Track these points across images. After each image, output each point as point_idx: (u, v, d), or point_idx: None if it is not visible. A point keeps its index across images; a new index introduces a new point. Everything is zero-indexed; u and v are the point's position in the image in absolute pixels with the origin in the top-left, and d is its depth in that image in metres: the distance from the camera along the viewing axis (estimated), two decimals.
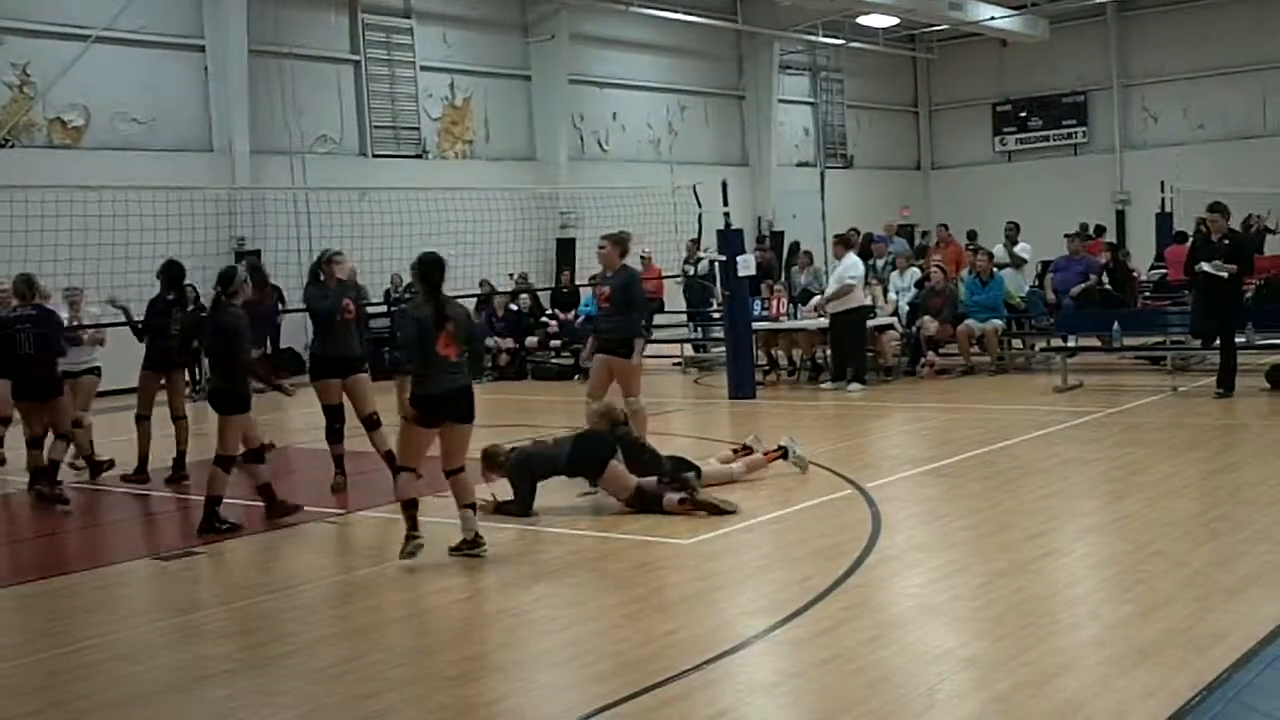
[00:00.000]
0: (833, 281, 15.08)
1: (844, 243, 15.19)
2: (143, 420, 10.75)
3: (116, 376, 12.39)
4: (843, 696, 4.82)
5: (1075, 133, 33.16)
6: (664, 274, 20.48)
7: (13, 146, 18.61)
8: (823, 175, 31.30)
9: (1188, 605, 5.69)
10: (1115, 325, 14.25)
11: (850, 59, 32.62)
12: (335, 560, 8.04)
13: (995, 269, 16.04)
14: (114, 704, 5.28)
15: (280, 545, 8.39)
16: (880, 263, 17.21)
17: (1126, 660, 5.01)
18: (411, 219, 16.75)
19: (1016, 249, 17.38)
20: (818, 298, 15.78)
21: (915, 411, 13.22)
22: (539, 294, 20.52)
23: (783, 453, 9.36)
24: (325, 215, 18.29)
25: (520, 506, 8.37)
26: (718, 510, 8.10)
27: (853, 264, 14.74)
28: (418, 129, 23.97)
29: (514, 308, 19.25)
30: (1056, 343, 15.55)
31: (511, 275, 21.25)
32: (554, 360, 18.98)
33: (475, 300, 20.39)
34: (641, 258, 20.54)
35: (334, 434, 9.87)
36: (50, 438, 10.26)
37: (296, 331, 18.14)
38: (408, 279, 19.26)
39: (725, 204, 14.71)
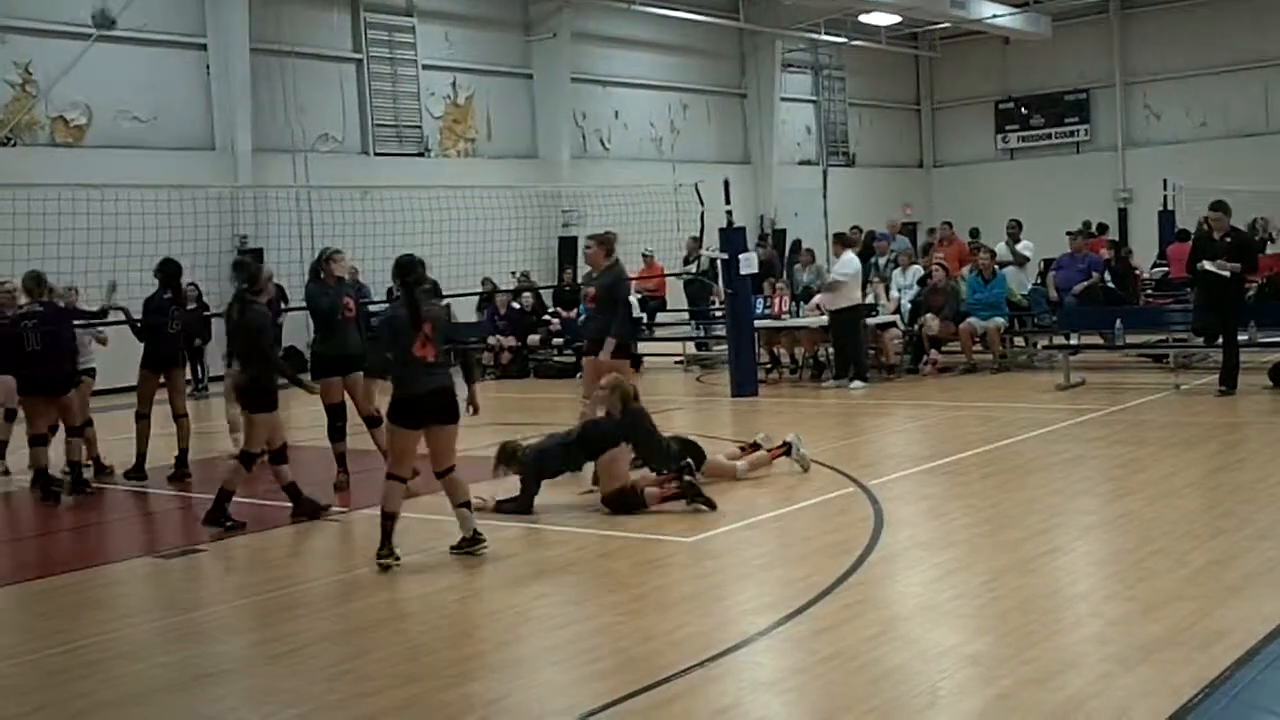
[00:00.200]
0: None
1: (842, 241, 15.23)
2: (142, 419, 10.75)
3: (117, 375, 12.41)
4: (845, 694, 4.82)
5: (1077, 130, 33.13)
6: (666, 272, 20.52)
7: (15, 145, 18.62)
8: (825, 173, 31.29)
9: (1190, 603, 5.68)
10: (1117, 323, 14.23)
11: (852, 57, 32.59)
12: (336, 559, 8.04)
13: (997, 267, 16.03)
14: (113, 703, 5.27)
15: (281, 544, 8.39)
16: (883, 261, 17.20)
17: (1129, 658, 5.00)
18: (413, 217, 16.78)
19: (1019, 247, 17.37)
20: (818, 295, 15.79)
21: (917, 409, 13.21)
22: (541, 292, 20.52)
23: (787, 449, 9.36)
24: (327, 214, 18.33)
25: (521, 505, 8.37)
26: (696, 499, 8.06)
27: (846, 262, 14.76)
28: (420, 127, 23.97)
29: (516, 306, 19.25)
30: (1059, 341, 15.53)
31: (513, 273, 21.27)
32: (556, 358, 18.97)
33: (477, 298, 20.45)
34: (644, 256, 20.60)
35: (336, 432, 9.87)
36: (63, 437, 10.29)
37: (298, 330, 18.15)
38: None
39: (727, 202, 14.72)
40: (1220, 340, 12.54)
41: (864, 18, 29.37)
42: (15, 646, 6.28)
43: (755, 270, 14.99)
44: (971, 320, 15.46)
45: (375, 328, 8.15)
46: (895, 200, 30.11)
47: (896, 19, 29.96)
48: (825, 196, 30.13)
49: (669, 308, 21.37)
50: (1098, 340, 15.28)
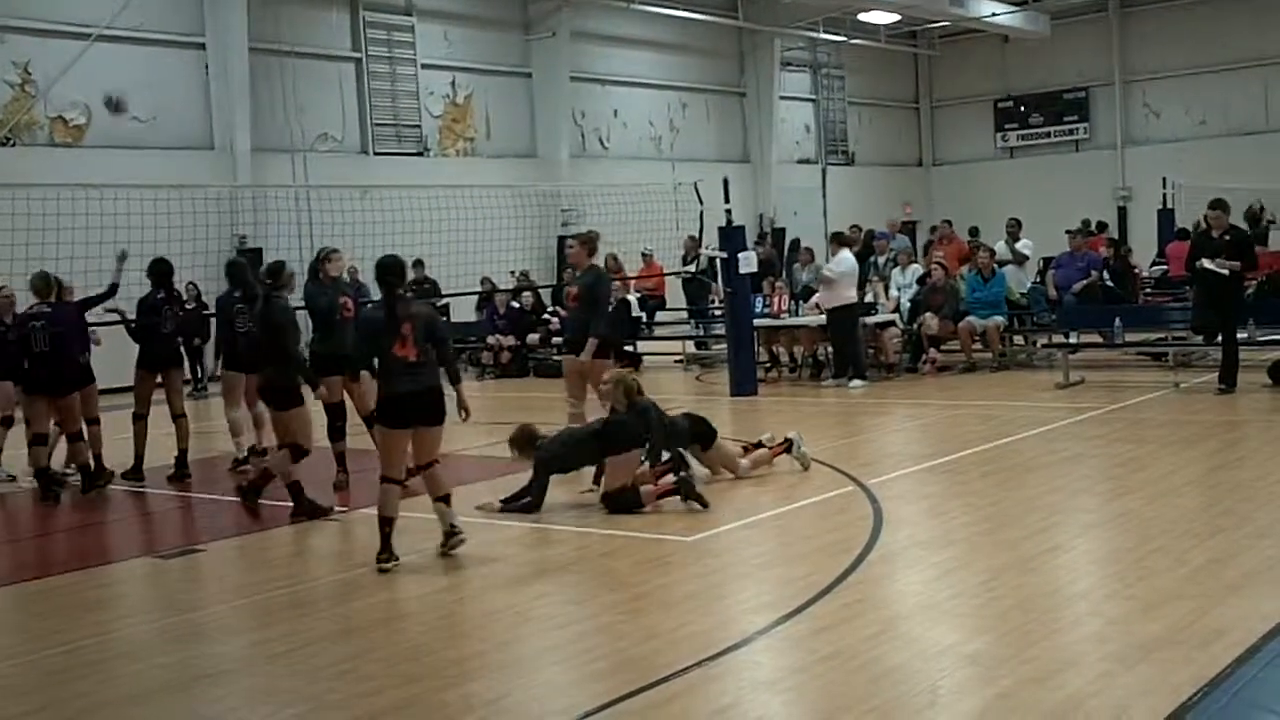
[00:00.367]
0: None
1: (839, 240, 15.29)
2: (139, 420, 10.74)
3: (114, 376, 12.40)
4: (845, 693, 4.82)
5: (1077, 129, 33.13)
6: (665, 271, 20.52)
7: (14, 145, 18.63)
8: (824, 172, 31.31)
9: (1189, 602, 5.68)
10: (1117, 321, 14.24)
11: (851, 55, 32.60)
12: (336, 558, 8.04)
13: (997, 266, 16.03)
14: (113, 703, 5.27)
15: (281, 543, 8.39)
16: (882, 260, 17.21)
17: (1128, 657, 5.00)
18: (413, 217, 16.79)
19: (1018, 245, 17.37)
20: (818, 294, 15.80)
21: (917, 408, 13.21)
22: (540, 291, 20.52)
23: (788, 446, 9.37)
24: (326, 213, 18.32)
25: (532, 502, 8.34)
26: (690, 497, 8.05)
27: (840, 260, 14.79)
28: (419, 126, 23.98)
29: (515, 305, 19.25)
30: (1058, 339, 15.54)
31: (513, 272, 21.27)
32: (555, 357, 18.94)
33: (477, 297, 20.46)
34: (643, 255, 20.60)
35: (335, 432, 9.87)
36: (64, 441, 10.31)
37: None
38: (410, 276, 19.37)
39: (727, 201, 14.72)
40: (1219, 338, 12.54)
41: (863, 16, 29.38)
42: (15, 647, 6.29)
43: (754, 269, 15.00)
44: (971, 319, 15.46)
45: (356, 327, 8.22)
46: (894, 199, 30.13)
47: (895, 17, 29.97)
48: (824, 195, 30.15)
49: (668, 307, 21.37)
50: (1097, 339, 15.28)
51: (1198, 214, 16.28)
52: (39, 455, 10.17)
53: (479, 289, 20.13)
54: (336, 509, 8.96)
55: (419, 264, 19.18)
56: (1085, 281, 16.04)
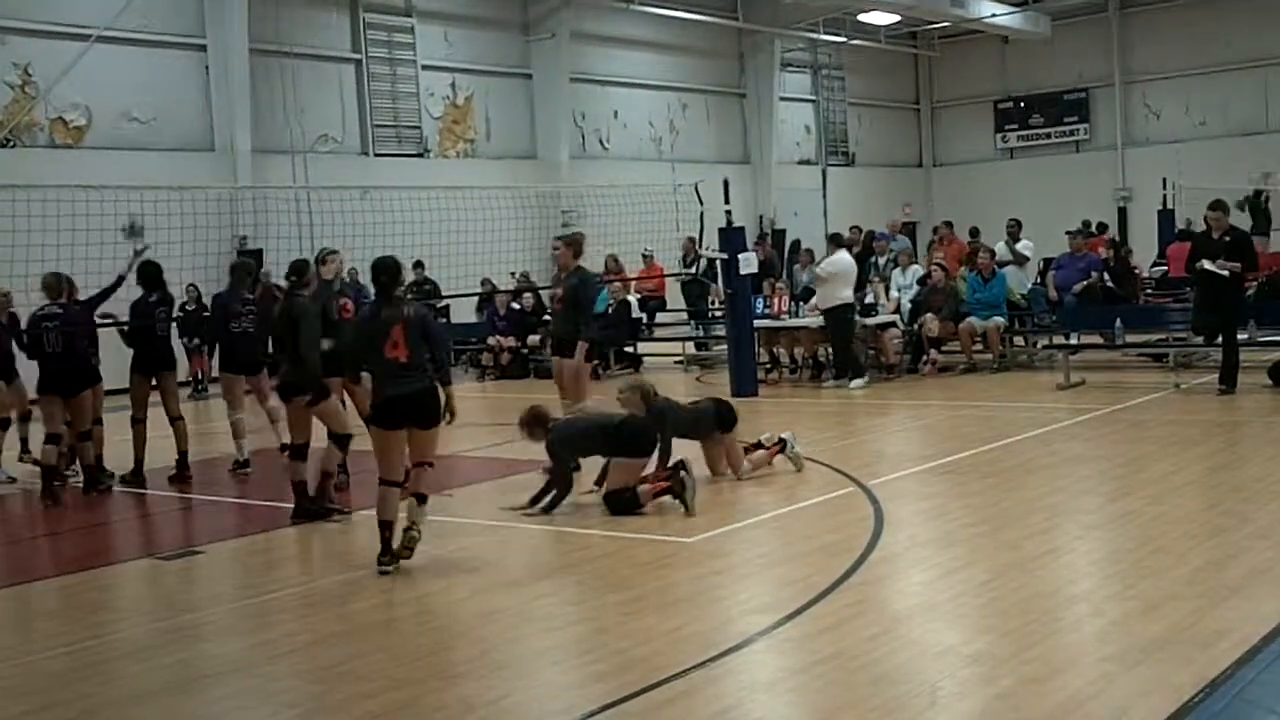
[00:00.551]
0: None
1: (835, 242, 15.34)
2: (138, 423, 10.74)
3: (110, 378, 12.39)
4: (846, 694, 4.82)
5: (1077, 129, 33.14)
6: (666, 272, 20.52)
7: (14, 146, 18.63)
8: (824, 173, 31.30)
9: (1190, 602, 5.68)
10: (1117, 322, 14.23)
11: (851, 56, 32.60)
12: (336, 560, 8.02)
13: (997, 267, 16.03)
14: (114, 703, 5.27)
15: (281, 544, 8.39)
16: (882, 260, 17.21)
17: (1129, 657, 5.00)
18: (413, 218, 16.78)
19: (1019, 246, 17.37)
20: (816, 295, 15.81)
21: (917, 409, 13.21)
22: (541, 292, 20.51)
23: (782, 445, 9.37)
24: (327, 214, 18.34)
25: (563, 481, 8.35)
26: (681, 496, 8.05)
27: (834, 260, 14.82)
28: (419, 128, 23.98)
29: (516, 306, 19.24)
30: (1059, 340, 15.53)
31: (513, 274, 21.25)
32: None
33: (477, 299, 20.45)
34: (643, 256, 20.60)
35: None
36: (70, 438, 10.34)
37: None
38: (410, 277, 19.37)
39: (727, 202, 14.71)
40: (1220, 339, 12.53)
41: (863, 17, 29.38)
42: (16, 648, 6.28)
43: (754, 270, 15.00)
44: (971, 320, 15.45)
45: (352, 328, 8.25)
46: (895, 200, 30.10)
47: (895, 18, 29.97)
48: (825, 196, 30.14)
49: (669, 308, 21.36)
50: (1097, 340, 15.27)
51: (1198, 214, 16.27)
52: (49, 454, 10.21)
53: (479, 290, 20.13)
54: (340, 509, 8.94)
55: (419, 265, 19.20)
56: (1085, 282, 16.03)
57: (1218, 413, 11.64)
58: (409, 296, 18.49)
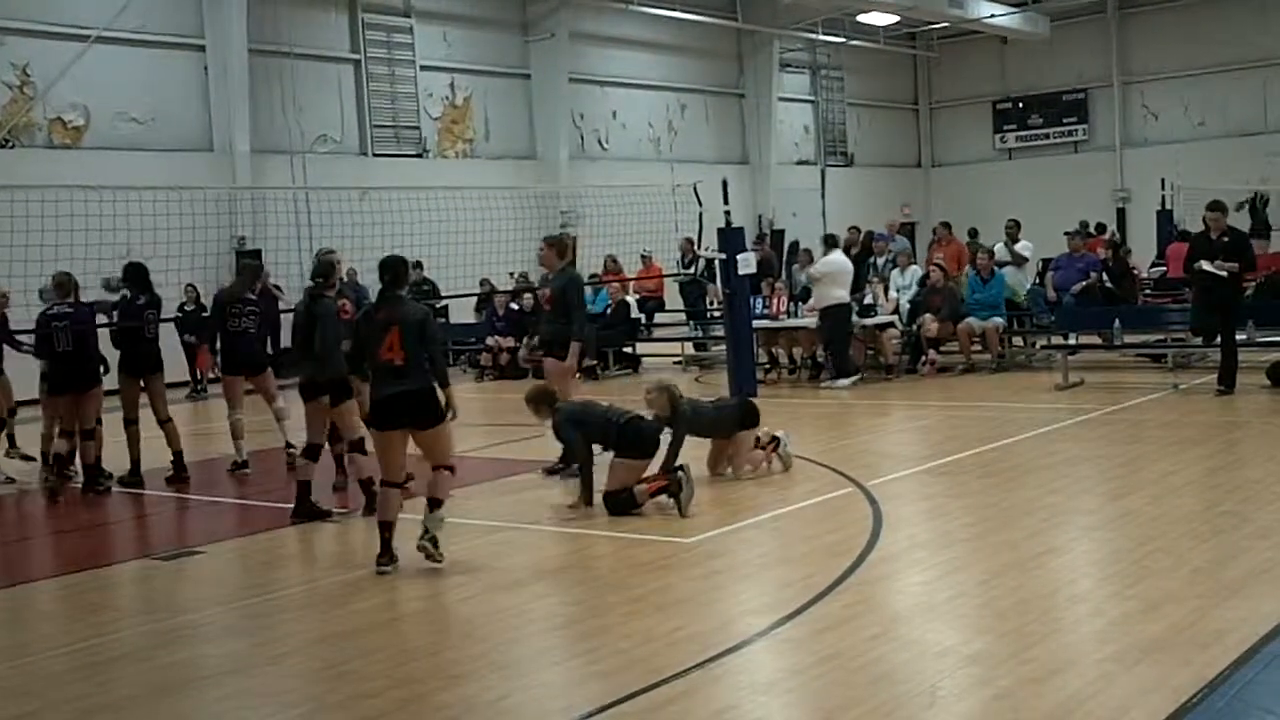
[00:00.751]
0: None
1: (827, 242, 15.45)
2: (131, 424, 10.73)
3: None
4: (845, 694, 4.82)
5: (1076, 130, 33.13)
6: (664, 273, 20.51)
7: (13, 146, 18.61)
8: (823, 173, 31.29)
9: (1189, 602, 5.68)
10: (1116, 323, 14.24)
11: (850, 57, 32.60)
12: (335, 560, 8.03)
13: (996, 267, 16.03)
14: (113, 704, 5.27)
15: (280, 545, 8.39)
16: (881, 261, 17.21)
17: (1128, 657, 5.00)
18: (412, 218, 16.76)
19: (1017, 247, 17.38)
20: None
21: (916, 410, 13.22)
22: (539, 293, 20.49)
23: (776, 443, 9.39)
24: (326, 214, 18.34)
25: (580, 458, 8.39)
26: (675, 496, 8.05)
27: (827, 261, 14.86)
28: (418, 128, 23.97)
29: (515, 307, 19.23)
30: (1057, 340, 15.53)
31: (512, 274, 21.24)
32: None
33: (476, 299, 20.44)
34: (642, 256, 20.59)
35: (335, 433, 9.85)
36: (75, 438, 10.36)
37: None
38: (410, 277, 19.35)
39: (726, 202, 14.71)
40: (1218, 340, 12.53)
41: (862, 17, 29.39)
42: (14, 648, 6.28)
43: (754, 270, 14.99)
44: (970, 320, 15.46)
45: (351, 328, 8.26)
46: (894, 200, 30.10)
47: (894, 19, 29.97)
48: (823, 196, 30.12)
49: (667, 308, 21.35)
50: (1096, 340, 15.27)
51: (1197, 215, 16.27)
52: (60, 444, 10.30)
53: (478, 290, 20.12)
54: (336, 511, 8.95)
55: (418, 265, 19.17)
56: (1084, 283, 16.04)
57: (1216, 413, 11.64)
58: (406, 296, 18.58)
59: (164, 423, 10.78)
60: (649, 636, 5.67)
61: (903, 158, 35.61)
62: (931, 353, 15.60)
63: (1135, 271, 18.33)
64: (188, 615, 6.74)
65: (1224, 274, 12.08)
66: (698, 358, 19.33)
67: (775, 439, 9.43)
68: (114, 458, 10.81)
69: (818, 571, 6.57)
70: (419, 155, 23.82)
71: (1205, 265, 12.16)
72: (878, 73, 33.94)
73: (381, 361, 7.16)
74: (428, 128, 24.17)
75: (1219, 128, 30.60)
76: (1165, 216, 23.75)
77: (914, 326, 15.81)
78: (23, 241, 12.67)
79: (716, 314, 18.62)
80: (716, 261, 14.93)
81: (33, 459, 11.19)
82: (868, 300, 15.76)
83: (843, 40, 30.74)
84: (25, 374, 11.56)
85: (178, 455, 10.76)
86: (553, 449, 9.71)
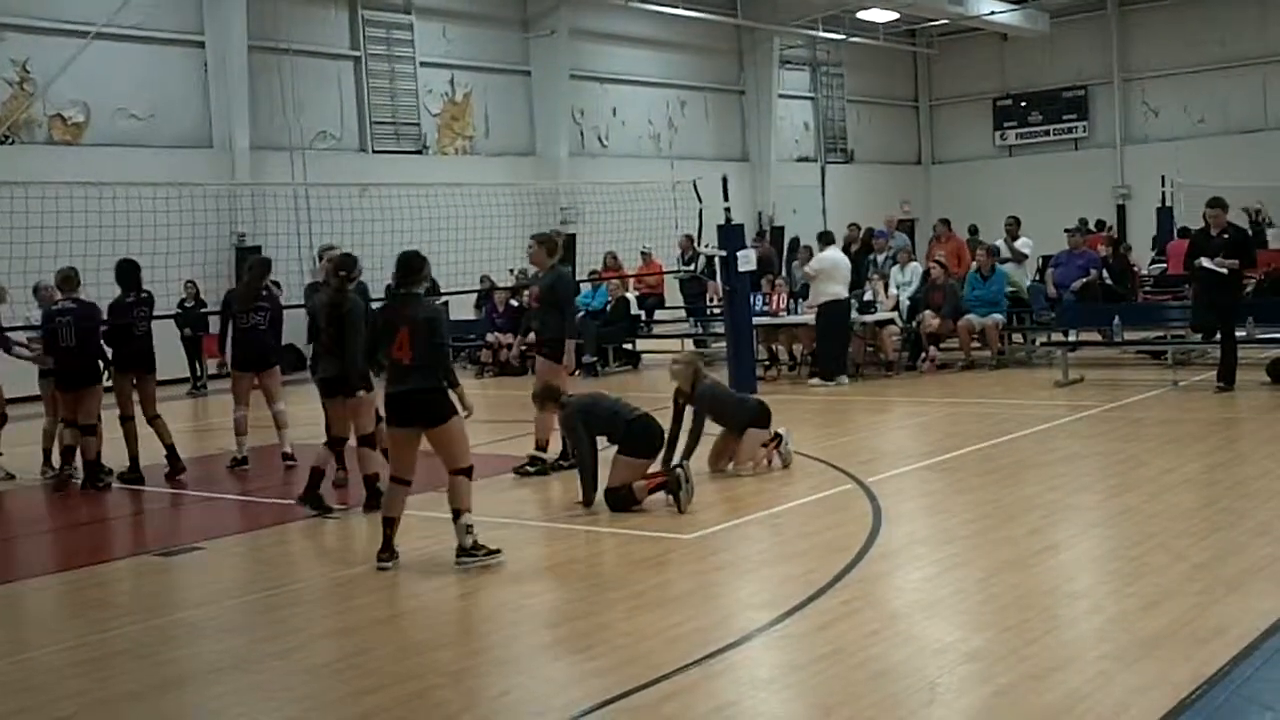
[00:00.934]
0: None
1: (822, 239, 15.51)
2: (127, 421, 10.74)
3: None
4: (844, 690, 4.82)
5: (1076, 127, 33.12)
6: (664, 269, 20.52)
7: (13, 143, 18.61)
8: (823, 170, 31.29)
9: (1189, 599, 5.68)
10: (1116, 320, 14.25)
11: (850, 54, 32.59)
12: (336, 556, 8.03)
13: (996, 263, 16.03)
14: (112, 700, 5.27)
15: (281, 541, 8.39)
16: (881, 258, 17.21)
17: (1128, 654, 5.00)
18: (412, 215, 16.77)
19: (1017, 244, 17.38)
20: None
21: (916, 406, 13.22)
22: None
23: (778, 441, 9.40)
24: (325, 211, 18.33)
25: (583, 458, 8.37)
26: (674, 493, 8.06)
27: (820, 258, 14.87)
28: (418, 124, 23.96)
29: (515, 303, 19.23)
30: (1057, 337, 15.54)
31: (512, 271, 21.23)
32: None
33: (476, 296, 20.43)
34: (642, 253, 20.59)
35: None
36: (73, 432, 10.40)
37: (298, 328, 18.15)
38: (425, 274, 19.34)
39: (726, 199, 14.71)
40: (1218, 336, 12.54)
41: (862, 14, 29.38)
42: (14, 644, 6.29)
43: (753, 267, 15.00)
44: (970, 317, 15.46)
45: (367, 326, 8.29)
46: (894, 197, 30.11)
47: (895, 15, 29.96)
48: (824, 193, 30.13)
49: (667, 305, 21.36)
50: (1096, 337, 15.28)
51: (1197, 212, 16.28)
52: (68, 435, 10.37)
53: (478, 287, 20.11)
54: (337, 506, 8.95)
55: None
56: (1084, 280, 16.05)
57: (1216, 410, 11.65)
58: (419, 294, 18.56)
59: (152, 420, 10.80)
60: (649, 632, 5.67)
61: (903, 155, 35.60)
62: (931, 349, 15.61)
63: (1135, 268, 18.34)
64: (188, 611, 6.75)
65: (1224, 271, 12.08)
66: (698, 354, 19.31)
67: (776, 436, 9.44)
68: (112, 454, 10.81)
69: (817, 568, 6.57)
70: (419, 152, 23.81)
71: (1205, 262, 12.16)
72: (878, 69, 33.93)
73: (393, 359, 7.19)
74: (427, 124, 24.16)
75: (1219, 125, 30.60)
76: (1165, 214, 23.75)
77: (914, 323, 15.82)
78: (23, 238, 12.69)
79: (716, 311, 18.62)
80: (716, 258, 14.94)
81: (14, 477, 11.17)
82: (868, 297, 15.77)
83: (843, 37, 30.71)
84: (16, 376, 11.55)
85: (170, 449, 10.79)
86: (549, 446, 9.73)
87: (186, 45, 20.66)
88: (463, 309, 21.08)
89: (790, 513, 8.16)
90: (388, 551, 7.11)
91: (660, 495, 8.19)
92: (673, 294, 21.43)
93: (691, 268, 19.56)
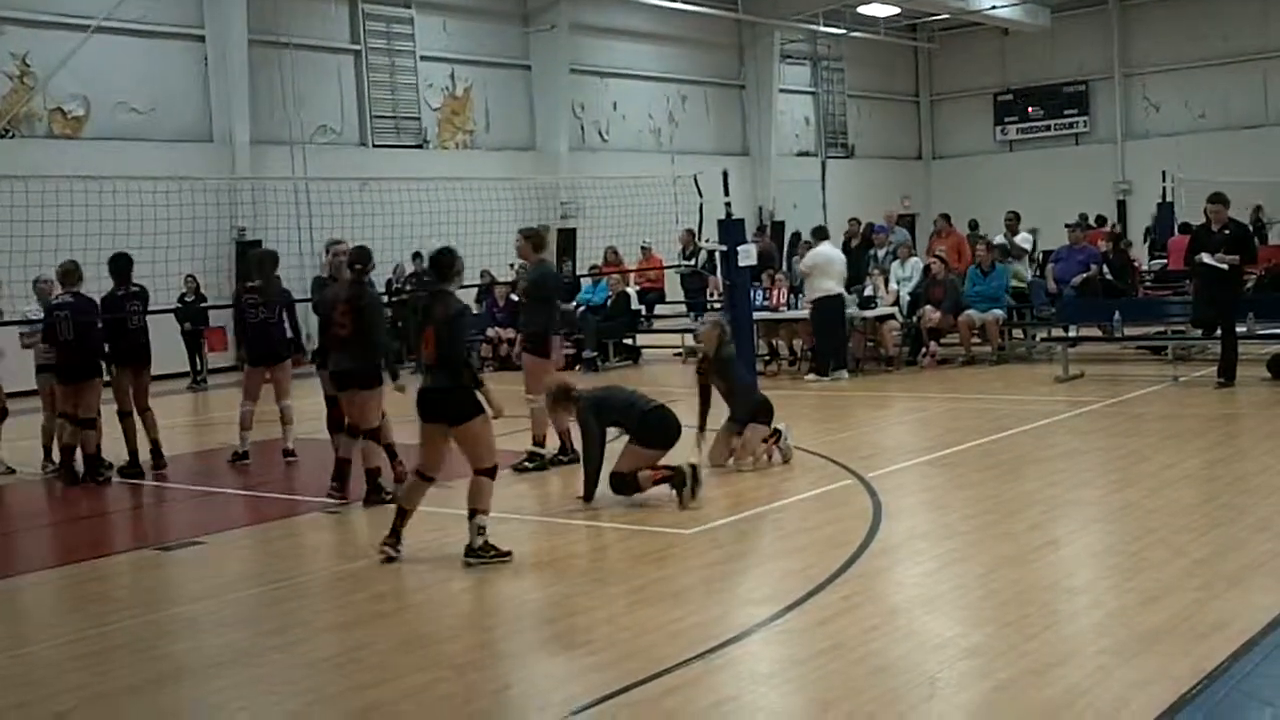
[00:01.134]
0: None
1: (816, 235, 15.56)
2: (125, 415, 10.76)
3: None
4: (844, 685, 4.83)
5: (1076, 122, 33.11)
6: (665, 264, 20.50)
7: (13, 137, 18.60)
8: (824, 165, 31.28)
9: (1189, 594, 5.69)
10: (1116, 315, 14.24)
11: (851, 48, 32.57)
12: (337, 550, 8.04)
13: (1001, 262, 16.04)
14: (112, 694, 5.27)
15: (281, 536, 8.40)
16: (881, 253, 17.20)
17: (1127, 649, 5.01)
18: (412, 209, 16.76)
19: (1017, 239, 17.37)
20: None
21: (916, 402, 13.22)
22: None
23: (777, 435, 9.40)
24: (325, 205, 18.30)
25: (588, 453, 8.33)
26: (678, 488, 8.06)
27: (815, 253, 14.88)
28: (418, 119, 23.95)
29: (515, 298, 19.22)
30: (1057, 333, 15.54)
31: (512, 265, 21.18)
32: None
33: (476, 290, 20.41)
34: (642, 248, 20.58)
35: (336, 424, 9.84)
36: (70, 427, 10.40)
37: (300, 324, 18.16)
38: (410, 269, 19.36)
39: (726, 194, 14.69)
40: (1219, 332, 12.54)
41: (862, 9, 29.38)
42: (14, 638, 6.29)
43: (754, 262, 14.99)
44: (970, 312, 15.46)
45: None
46: (894, 192, 30.15)
47: (895, 10, 29.96)
48: (824, 188, 30.12)
49: (668, 299, 21.35)
50: (1096, 332, 15.28)
51: (1198, 208, 16.28)
52: (74, 433, 10.34)
53: (478, 282, 20.09)
54: (336, 501, 8.94)
55: (417, 256, 19.17)
56: (1085, 275, 16.05)
57: (1216, 405, 11.65)
58: (407, 287, 18.59)
59: (143, 412, 10.84)
60: (650, 627, 5.68)
61: (903, 149, 35.58)
62: (932, 345, 15.61)
63: (1135, 264, 18.33)
64: (187, 605, 6.75)
65: (1225, 267, 12.08)
66: (698, 349, 19.31)
67: (776, 431, 9.45)
68: (111, 449, 10.82)
69: (818, 563, 6.58)
70: (419, 146, 23.80)
71: (1206, 258, 12.15)
72: (878, 64, 33.91)
73: (423, 355, 7.27)
74: (428, 118, 24.14)
75: (1220, 120, 30.58)
76: (1166, 209, 23.74)
77: (914, 318, 15.81)
78: (23, 232, 12.68)
79: (717, 306, 18.61)
80: (717, 253, 14.92)
81: (15, 471, 11.18)
82: (868, 292, 15.76)
83: (843, 31, 30.69)
84: (16, 370, 11.55)
85: (155, 444, 10.80)
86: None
87: (187, 39, 20.64)
88: None
89: (790, 508, 8.17)
90: (394, 539, 7.09)
91: (664, 488, 8.19)
92: (673, 289, 21.41)
93: (692, 262, 19.54)
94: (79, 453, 10.47)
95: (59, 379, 10.51)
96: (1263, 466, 8.70)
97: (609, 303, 18.74)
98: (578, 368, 17.29)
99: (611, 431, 8.49)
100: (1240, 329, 12.68)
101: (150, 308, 11.14)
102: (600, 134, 27.30)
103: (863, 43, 31.91)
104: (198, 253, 16.23)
